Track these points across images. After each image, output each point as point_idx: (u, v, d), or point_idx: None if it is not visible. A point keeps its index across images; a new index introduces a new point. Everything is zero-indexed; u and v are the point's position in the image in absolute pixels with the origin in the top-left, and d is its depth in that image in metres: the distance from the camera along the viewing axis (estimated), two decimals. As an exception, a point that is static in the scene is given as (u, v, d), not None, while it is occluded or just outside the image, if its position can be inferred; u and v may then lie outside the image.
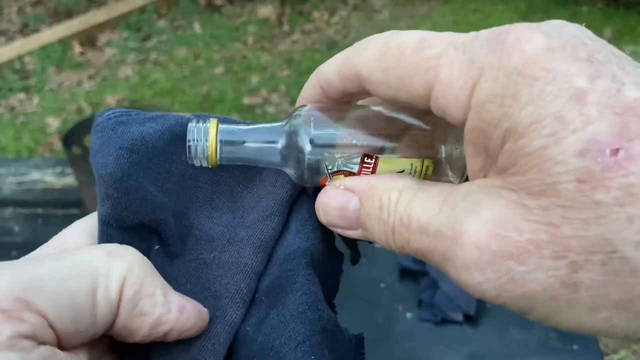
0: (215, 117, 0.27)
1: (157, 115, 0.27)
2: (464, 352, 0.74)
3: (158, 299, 0.23)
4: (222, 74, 2.86)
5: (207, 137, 0.25)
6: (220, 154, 0.26)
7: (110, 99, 2.68)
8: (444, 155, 0.25)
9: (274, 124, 0.26)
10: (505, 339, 0.75)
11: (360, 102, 0.26)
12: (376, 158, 0.24)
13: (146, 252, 0.26)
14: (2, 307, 0.19)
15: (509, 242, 0.18)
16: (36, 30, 3.29)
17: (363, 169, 0.24)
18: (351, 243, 0.30)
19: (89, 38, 3.19)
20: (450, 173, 0.25)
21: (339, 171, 0.25)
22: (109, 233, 0.25)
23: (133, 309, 0.22)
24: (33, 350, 0.19)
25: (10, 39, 3.26)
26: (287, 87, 2.63)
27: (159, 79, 2.85)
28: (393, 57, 0.21)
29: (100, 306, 0.21)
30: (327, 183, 0.25)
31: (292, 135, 0.25)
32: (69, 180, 1.08)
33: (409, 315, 0.79)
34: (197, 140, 0.25)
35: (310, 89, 0.25)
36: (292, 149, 0.25)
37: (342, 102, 0.25)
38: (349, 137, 0.24)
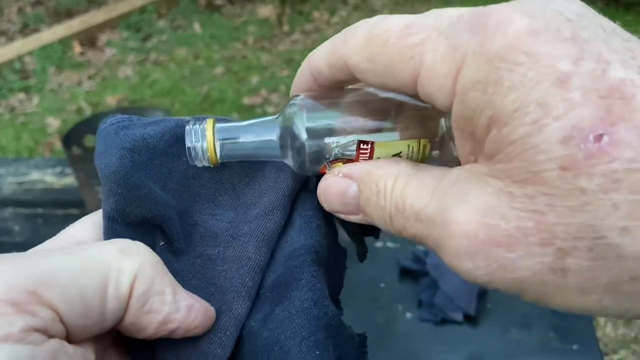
0: (211, 117, 0.27)
1: (158, 119, 0.28)
2: (464, 352, 0.74)
3: (167, 297, 0.23)
4: (222, 74, 2.86)
5: (204, 138, 0.26)
6: (220, 152, 0.26)
7: (110, 99, 2.68)
8: (444, 129, 0.25)
9: (269, 117, 0.26)
10: (505, 339, 0.75)
11: (354, 86, 0.26)
12: (372, 143, 0.24)
13: (152, 247, 0.26)
14: (14, 299, 0.19)
15: (496, 230, 0.18)
16: (36, 30, 3.29)
17: (360, 155, 0.24)
18: (358, 239, 0.30)
19: (89, 38, 3.19)
20: (453, 146, 0.25)
21: (337, 159, 0.25)
22: (114, 228, 0.25)
23: (142, 306, 0.22)
24: (43, 344, 0.19)
25: (10, 39, 3.26)
26: (287, 87, 2.63)
27: (159, 79, 2.85)
28: (378, 45, 0.21)
29: (110, 302, 0.22)
30: (326, 171, 0.26)
31: (287, 127, 0.25)
32: (69, 180, 1.09)
33: (409, 315, 0.79)
34: (196, 141, 0.26)
35: (302, 77, 0.25)
36: (289, 140, 0.25)
37: (335, 89, 0.25)
38: (344, 124, 0.24)
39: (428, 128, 0.25)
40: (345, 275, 0.31)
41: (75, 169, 0.94)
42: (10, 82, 2.86)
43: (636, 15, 2.73)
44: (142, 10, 3.43)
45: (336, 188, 0.25)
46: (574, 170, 0.16)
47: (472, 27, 0.18)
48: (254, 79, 2.76)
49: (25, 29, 3.36)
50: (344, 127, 0.24)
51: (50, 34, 3.14)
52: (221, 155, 0.26)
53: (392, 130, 0.24)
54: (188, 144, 0.26)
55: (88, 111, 2.61)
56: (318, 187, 0.26)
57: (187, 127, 0.26)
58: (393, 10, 3.18)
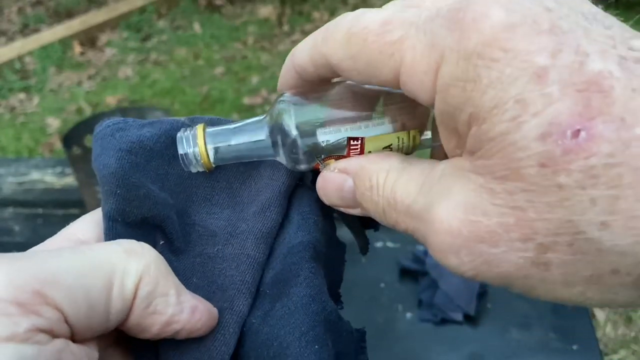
0: (201, 119, 0.27)
1: (153, 120, 0.28)
2: (464, 352, 0.74)
3: (171, 299, 0.23)
4: (222, 74, 2.86)
5: (196, 144, 0.26)
6: (213, 157, 0.26)
7: (110, 99, 2.68)
8: (433, 118, 0.25)
9: (258, 118, 0.26)
10: (505, 339, 0.75)
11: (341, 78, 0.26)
12: (362, 139, 0.24)
13: (152, 246, 0.26)
14: (20, 300, 0.19)
15: (479, 227, 0.18)
16: (36, 31, 3.29)
17: (351, 151, 0.24)
18: (359, 232, 0.30)
19: (89, 38, 3.19)
20: None
21: (329, 156, 0.25)
22: (115, 228, 0.25)
23: (147, 307, 0.23)
24: (48, 344, 0.19)
25: (10, 39, 3.26)
26: (287, 87, 2.63)
27: (159, 79, 2.85)
28: (357, 44, 0.21)
29: (114, 303, 0.22)
30: (320, 168, 0.26)
31: (277, 125, 0.25)
32: (69, 180, 1.09)
33: (409, 315, 0.79)
34: (188, 148, 0.26)
35: (287, 73, 0.25)
36: (280, 138, 0.25)
37: (321, 83, 0.25)
38: (332, 119, 0.24)
39: (417, 119, 0.25)
40: (345, 273, 0.31)
41: (75, 169, 0.94)
42: (11, 82, 2.86)
43: (636, 15, 2.73)
44: (142, 10, 3.43)
45: (333, 183, 0.25)
46: (552, 167, 0.16)
47: (449, 22, 0.18)
48: (254, 79, 2.76)
49: (26, 29, 3.36)
50: (333, 122, 0.24)
51: (51, 34, 3.14)
52: (214, 159, 0.27)
53: (381, 123, 0.24)
54: (180, 151, 0.26)
55: (88, 111, 2.61)
56: (317, 183, 0.26)
57: (178, 135, 0.26)
58: (393, 10, 3.18)
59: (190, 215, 0.28)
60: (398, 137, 0.24)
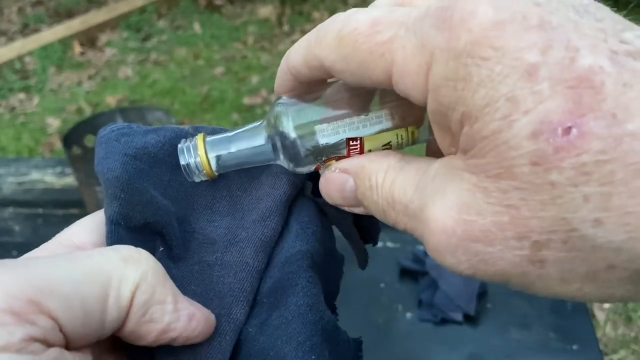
0: (204, 128, 0.28)
1: (157, 127, 0.28)
2: (464, 352, 0.74)
3: (168, 307, 0.23)
4: (222, 74, 2.86)
5: (197, 154, 0.26)
6: (215, 165, 0.27)
7: (110, 99, 2.68)
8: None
9: (257, 123, 0.26)
10: (505, 339, 0.75)
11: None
12: (360, 139, 0.24)
13: (152, 252, 0.26)
14: (14, 309, 0.19)
15: (473, 226, 0.18)
16: (36, 31, 3.29)
17: (351, 151, 0.25)
18: (358, 246, 0.30)
19: (89, 38, 3.19)
20: None
21: (329, 158, 0.25)
22: (117, 231, 0.25)
23: (143, 315, 0.22)
24: (43, 353, 0.19)
25: (10, 39, 3.26)
26: (287, 87, 2.63)
27: (159, 79, 2.85)
28: (348, 45, 0.21)
29: (110, 311, 0.21)
30: (321, 170, 0.26)
31: (276, 129, 0.25)
32: (69, 180, 1.09)
33: (409, 315, 0.79)
34: (189, 158, 0.26)
35: (283, 76, 0.25)
36: (279, 141, 0.25)
37: (317, 84, 0.25)
38: (330, 120, 0.24)
39: (414, 115, 0.25)
40: (343, 278, 0.31)
41: (75, 169, 0.94)
42: (11, 82, 2.86)
43: (636, 15, 2.73)
44: (142, 10, 3.43)
45: (335, 183, 0.25)
46: (544, 165, 0.16)
47: (437, 21, 0.18)
48: (254, 79, 2.76)
49: (26, 29, 3.36)
50: (331, 124, 0.24)
51: (51, 34, 3.14)
52: (217, 167, 0.27)
53: (379, 122, 0.24)
54: (182, 162, 0.26)
55: (88, 111, 2.61)
56: (319, 183, 0.26)
57: (179, 146, 0.27)
58: (393, 10, 3.18)
59: (190, 223, 0.28)
60: (397, 134, 0.24)
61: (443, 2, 0.18)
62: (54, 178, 1.10)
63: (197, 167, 0.26)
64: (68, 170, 1.10)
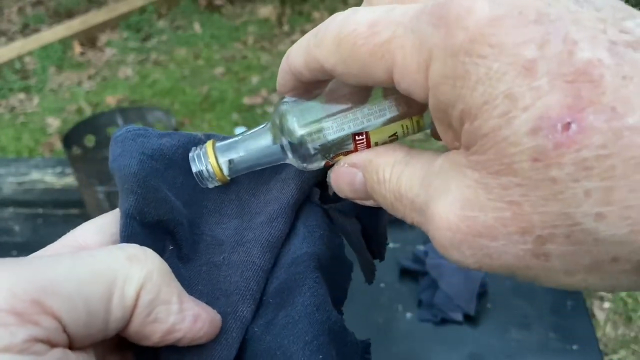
0: (216, 136, 0.28)
1: (171, 132, 0.29)
2: (464, 352, 0.74)
3: (173, 307, 0.23)
4: (222, 74, 2.86)
5: (208, 161, 0.27)
6: (227, 170, 0.27)
7: (110, 99, 2.68)
8: None
9: (264, 125, 0.27)
10: (505, 339, 0.75)
11: None
12: (366, 133, 0.24)
13: (161, 251, 0.26)
14: (18, 309, 0.19)
15: (477, 222, 0.18)
16: (36, 31, 3.29)
17: (358, 146, 0.25)
18: (366, 260, 0.30)
19: (89, 38, 3.19)
20: None
21: (337, 154, 0.25)
22: (132, 225, 0.26)
23: (147, 315, 0.22)
24: (46, 354, 0.19)
25: (10, 39, 3.26)
26: (287, 87, 2.63)
27: (159, 79, 2.85)
28: (348, 48, 0.20)
29: (114, 311, 0.21)
30: (330, 165, 0.26)
31: (281, 129, 0.25)
32: (69, 180, 1.09)
33: (409, 315, 0.79)
34: (201, 166, 0.27)
35: (285, 76, 0.25)
36: (286, 142, 0.25)
37: (320, 84, 0.25)
38: (335, 119, 0.24)
39: (417, 105, 0.24)
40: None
41: (75, 169, 0.94)
42: (11, 82, 2.86)
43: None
44: (142, 10, 3.43)
45: (344, 178, 0.25)
46: (544, 161, 0.16)
47: (434, 19, 0.18)
48: (254, 79, 2.76)
49: (26, 29, 3.36)
50: (336, 120, 0.24)
51: (51, 34, 3.15)
52: (228, 172, 0.27)
53: (383, 115, 0.24)
54: (194, 169, 0.27)
55: (88, 111, 2.61)
56: (329, 178, 0.26)
57: (190, 154, 0.27)
58: (393, 10, 3.18)
59: (199, 225, 0.28)
60: (402, 125, 0.25)
61: None
62: (54, 178, 1.10)
63: (209, 173, 0.27)
64: (68, 170, 1.10)
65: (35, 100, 2.75)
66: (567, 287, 0.18)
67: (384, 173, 0.23)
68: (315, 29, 0.23)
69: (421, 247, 0.86)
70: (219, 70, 2.88)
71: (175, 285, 0.23)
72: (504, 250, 0.18)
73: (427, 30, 0.18)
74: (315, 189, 0.29)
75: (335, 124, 0.24)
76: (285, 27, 3.25)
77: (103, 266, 0.22)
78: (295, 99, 0.25)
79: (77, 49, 3.10)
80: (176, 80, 2.82)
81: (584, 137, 0.15)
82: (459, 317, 0.77)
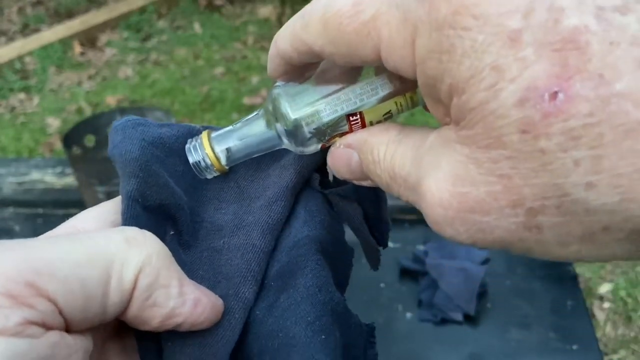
0: (215, 128, 0.28)
1: (170, 123, 0.29)
2: (464, 352, 0.74)
3: (173, 291, 0.23)
4: (222, 74, 2.86)
5: (204, 151, 0.27)
6: (225, 159, 0.27)
7: (110, 99, 2.68)
8: None
9: (257, 112, 0.27)
10: (505, 339, 0.75)
11: None
12: (360, 113, 0.24)
13: (162, 236, 0.26)
14: (12, 291, 0.18)
15: (468, 197, 0.18)
16: (36, 31, 3.29)
17: (353, 127, 0.25)
18: (370, 246, 0.30)
19: (89, 38, 3.19)
20: None
21: (333, 136, 0.25)
22: (134, 207, 0.25)
23: (146, 299, 0.22)
24: (42, 337, 0.19)
25: (10, 39, 3.26)
26: (287, 87, 2.63)
27: (159, 79, 2.85)
28: (334, 28, 0.20)
29: (112, 295, 0.21)
30: (327, 147, 0.26)
31: (275, 113, 0.25)
32: (69, 180, 1.09)
33: (409, 315, 0.79)
34: (197, 157, 0.27)
35: (275, 60, 0.25)
36: (281, 128, 0.25)
37: (310, 66, 0.25)
38: (328, 101, 0.24)
39: (409, 81, 0.24)
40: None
41: (75, 169, 0.94)
42: (11, 82, 2.86)
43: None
44: (142, 10, 3.43)
45: (341, 159, 0.25)
46: (532, 132, 0.16)
47: None
48: (254, 79, 2.76)
49: (26, 29, 3.36)
50: (329, 103, 0.24)
51: (51, 34, 3.15)
52: (226, 162, 0.27)
53: (376, 93, 0.24)
54: (191, 160, 0.27)
55: (88, 111, 2.61)
56: (327, 159, 0.26)
57: (187, 146, 0.27)
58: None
59: (199, 213, 0.28)
60: (395, 102, 0.24)
61: None
62: (54, 178, 1.10)
63: (206, 163, 0.27)
64: (68, 170, 1.10)
65: (35, 100, 2.75)
66: (562, 258, 0.18)
67: (378, 152, 0.23)
68: (301, 11, 0.22)
69: (421, 247, 0.86)
70: (219, 70, 2.88)
71: (175, 269, 0.23)
72: (497, 224, 0.18)
73: (411, 5, 0.18)
74: (315, 175, 0.29)
75: (329, 106, 0.24)
76: (285, 27, 3.25)
77: (100, 248, 0.21)
78: (287, 84, 0.25)
79: (77, 49, 3.10)
80: (176, 80, 2.82)
81: (571, 106, 0.15)
82: (459, 317, 0.77)
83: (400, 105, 0.24)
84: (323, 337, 0.24)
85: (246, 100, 2.60)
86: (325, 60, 0.24)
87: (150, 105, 2.57)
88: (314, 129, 0.24)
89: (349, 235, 0.31)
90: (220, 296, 0.25)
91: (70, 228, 0.25)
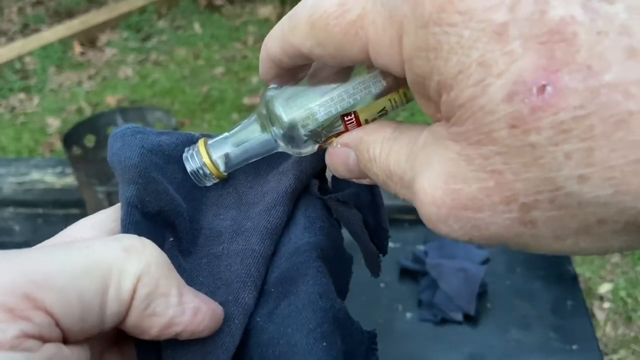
0: (203, 136, 0.28)
1: (169, 131, 0.29)
2: (464, 352, 0.74)
3: (172, 300, 0.22)
4: (222, 74, 2.86)
5: (201, 160, 0.27)
6: (223, 165, 0.27)
7: (110, 99, 2.68)
8: None
9: (251, 117, 0.27)
10: (505, 339, 0.75)
11: None
12: (354, 113, 0.24)
13: (161, 243, 0.26)
14: (8, 304, 0.18)
15: (461, 195, 0.18)
16: (36, 31, 3.29)
17: (348, 126, 0.24)
18: (369, 249, 0.30)
19: (89, 38, 3.19)
20: None
21: (329, 137, 0.25)
22: (134, 214, 0.25)
23: (145, 308, 0.22)
24: (39, 350, 0.19)
25: (10, 39, 3.26)
26: (287, 87, 2.63)
27: (159, 79, 2.85)
28: (321, 30, 0.20)
29: (110, 305, 0.21)
30: (324, 149, 0.26)
31: (269, 117, 0.25)
32: (69, 180, 1.09)
33: (409, 315, 0.79)
34: (194, 165, 0.27)
35: (265, 64, 0.25)
36: (276, 131, 0.25)
37: (302, 68, 0.25)
38: (321, 103, 0.24)
39: (402, 78, 0.24)
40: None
41: (75, 169, 0.94)
42: (11, 82, 2.86)
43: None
44: (142, 10, 3.43)
45: (338, 158, 0.25)
46: (522, 127, 0.15)
47: None
48: (254, 79, 2.76)
49: (26, 29, 3.36)
50: (322, 104, 0.24)
51: (51, 34, 3.15)
52: (224, 168, 0.27)
53: (368, 93, 0.24)
54: (189, 169, 0.27)
55: (88, 111, 2.61)
56: (325, 159, 0.26)
57: (184, 155, 0.27)
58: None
59: (198, 221, 0.28)
60: (389, 99, 0.24)
61: None
62: (54, 178, 1.10)
63: (204, 171, 0.27)
64: (68, 170, 1.10)
65: (35, 100, 2.75)
66: (559, 252, 0.18)
67: (374, 151, 0.23)
68: (288, 13, 0.22)
69: (421, 247, 0.86)
70: (219, 70, 2.88)
71: (174, 277, 0.23)
72: (491, 221, 0.17)
73: (397, 2, 0.18)
74: (314, 181, 0.29)
75: (323, 107, 0.24)
76: (285, 27, 3.25)
77: (98, 258, 0.21)
78: (279, 88, 0.25)
79: (77, 49, 3.10)
80: (176, 80, 2.82)
81: (559, 99, 0.15)
82: (459, 317, 0.77)
83: (395, 101, 0.24)
84: (325, 344, 0.24)
85: (246, 101, 2.60)
86: (318, 64, 0.24)
87: (150, 105, 2.57)
88: (309, 131, 0.24)
89: (347, 239, 0.30)
90: (220, 302, 0.25)
91: (68, 237, 0.25)
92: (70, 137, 0.96)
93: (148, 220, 0.26)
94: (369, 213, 0.29)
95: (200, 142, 0.27)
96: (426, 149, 0.19)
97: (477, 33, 0.16)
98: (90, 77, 2.91)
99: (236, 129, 0.27)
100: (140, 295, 0.21)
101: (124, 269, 0.21)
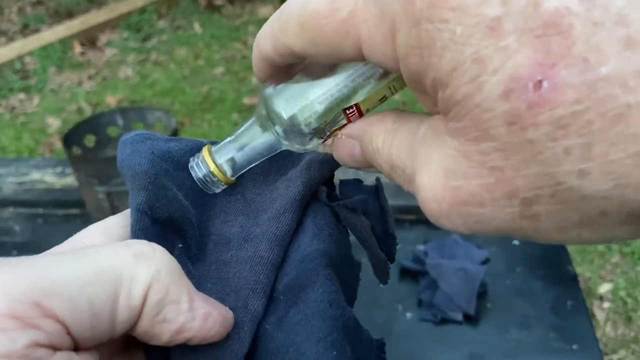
0: (211, 143, 0.28)
1: (178, 137, 0.30)
2: (464, 352, 0.74)
3: (183, 306, 0.22)
4: (222, 74, 2.86)
5: (207, 167, 0.27)
6: (230, 170, 0.27)
7: (110, 99, 2.68)
8: None
9: (251, 119, 0.27)
10: (505, 338, 0.75)
11: None
12: (355, 105, 0.24)
13: (171, 249, 0.26)
14: (17, 312, 0.18)
15: (462, 191, 0.17)
16: (37, 31, 3.29)
17: (350, 119, 0.24)
18: (377, 255, 0.30)
19: (89, 38, 3.19)
20: None
21: (333, 131, 0.25)
22: (143, 220, 0.25)
23: (156, 315, 0.21)
24: (50, 359, 0.18)
25: (10, 39, 3.26)
26: (287, 87, 2.63)
27: (159, 79, 2.85)
28: (312, 29, 0.20)
29: (120, 312, 0.20)
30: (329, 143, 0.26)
31: (269, 117, 0.25)
32: (69, 180, 1.08)
33: (409, 315, 0.79)
34: (200, 173, 0.27)
35: (259, 64, 0.24)
36: (277, 128, 0.25)
37: (296, 66, 0.25)
38: (321, 96, 0.24)
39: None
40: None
41: (75, 169, 0.94)
42: (11, 82, 2.86)
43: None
44: (142, 10, 3.43)
45: (344, 149, 0.25)
46: (519, 124, 0.15)
47: None
48: (254, 79, 2.76)
49: (26, 29, 3.36)
50: (321, 100, 0.24)
51: (51, 34, 3.15)
52: (231, 172, 0.27)
53: (367, 83, 0.24)
54: (195, 176, 0.27)
55: (88, 111, 2.61)
56: (333, 153, 0.26)
57: (190, 164, 0.28)
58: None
59: (207, 227, 0.29)
60: (389, 87, 0.24)
61: None
62: (54, 178, 1.10)
63: (211, 178, 0.27)
64: (68, 170, 1.10)
65: (36, 100, 2.75)
66: (564, 242, 0.18)
67: (377, 143, 0.22)
68: (277, 12, 0.22)
69: (421, 247, 0.86)
70: (219, 70, 2.88)
71: (185, 283, 0.23)
72: (493, 215, 0.17)
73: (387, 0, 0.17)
74: (322, 187, 0.29)
75: (323, 105, 0.24)
76: (285, 27, 3.25)
77: (108, 265, 0.21)
78: (277, 87, 0.25)
79: (77, 49, 3.10)
80: (176, 80, 2.82)
81: (557, 95, 0.14)
82: (459, 317, 0.77)
83: (394, 87, 0.24)
84: (334, 353, 0.24)
85: (246, 100, 2.60)
86: (317, 67, 0.24)
87: (150, 105, 2.57)
88: (313, 128, 0.24)
89: (353, 245, 0.30)
90: (229, 309, 0.25)
91: (77, 243, 0.24)
92: (70, 137, 0.96)
93: (157, 226, 0.26)
94: (376, 220, 0.29)
95: (205, 150, 0.27)
96: (426, 143, 0.19)
97: (470, 29, 0.15)
98: (90, 77, 2.91)
99: (238, 132, 0.27)
100: (151, 302, 0.21)
101: (134, 275, 0.21)
